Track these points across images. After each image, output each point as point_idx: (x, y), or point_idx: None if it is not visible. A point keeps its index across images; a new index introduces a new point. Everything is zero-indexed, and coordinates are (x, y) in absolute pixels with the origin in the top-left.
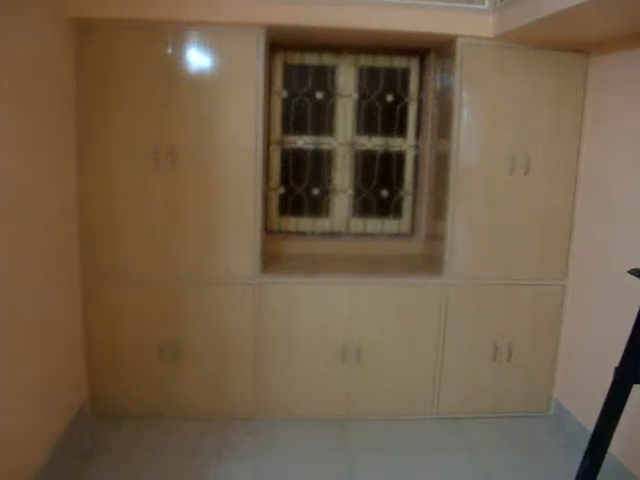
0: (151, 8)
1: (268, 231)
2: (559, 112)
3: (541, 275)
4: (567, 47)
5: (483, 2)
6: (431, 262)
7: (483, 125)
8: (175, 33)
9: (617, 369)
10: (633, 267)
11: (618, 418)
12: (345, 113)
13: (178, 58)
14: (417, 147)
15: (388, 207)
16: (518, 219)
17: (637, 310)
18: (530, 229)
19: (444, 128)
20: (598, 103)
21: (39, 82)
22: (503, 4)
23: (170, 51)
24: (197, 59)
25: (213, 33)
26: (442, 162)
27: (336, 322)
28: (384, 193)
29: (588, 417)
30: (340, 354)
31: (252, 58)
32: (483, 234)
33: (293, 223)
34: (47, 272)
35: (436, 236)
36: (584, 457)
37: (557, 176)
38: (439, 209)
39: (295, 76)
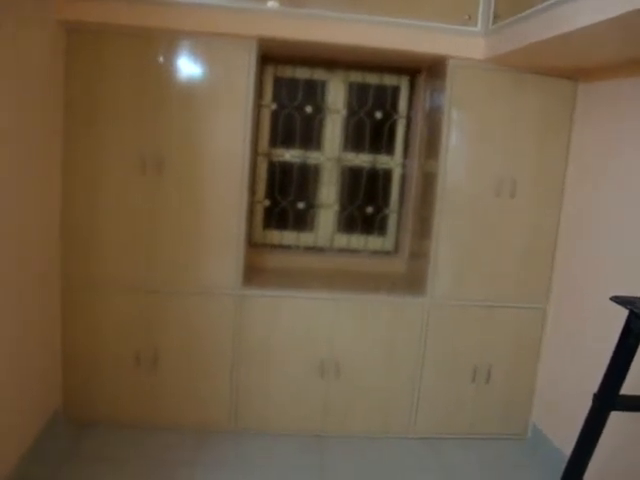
0: (143, 15)
1: (252, 243)
2: (546, 137)
3: (522, 298)
4: (556, 73)
5: (475, 24)
6: (414, 281)
7: (471, 146)
8: (167, 42)
9: (595, 396)
10: (615, 294)
11: (595, 445)
12: (333, 128)
13: (169, 66)
14: (404, 165)
15: (373, 224)
16: (502, 241)
17: (617, 337)
18: (514, 252)
19: (432, 147)
20: (585, 129)
21: (26, 83)
22: (495, 28)
23: (161, 59)
24: (188, 68)
25: (205, 43)
26: (429, 181)
27: (316, 337)
28: (369, 210)
29: (565, 442)
30: (319, 369)
31: (243, 70)
32: (467, 255)
33: (277, 236)
34: (27, 276)
35: (420, 255)
36: None
37: (542, 200)
38: (424, 228)
39: (285, 89)
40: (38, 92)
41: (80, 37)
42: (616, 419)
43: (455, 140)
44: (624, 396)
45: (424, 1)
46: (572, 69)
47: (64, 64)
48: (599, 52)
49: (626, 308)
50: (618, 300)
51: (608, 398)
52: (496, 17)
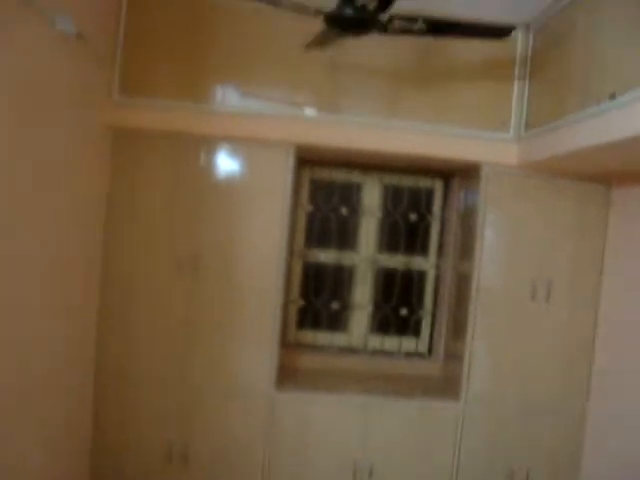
0: (184, 122)
1: (286, 343)
2: (581, 241)
3: (560, 401)
4: (589, 178)
5: (508, 131)
6: (448, 384)
7: (505, 248)
8: (207, 144)
9: None
10: None
11: None
12: (368, 230)
13: (209, 168)
14: (438, 267)
15: (407, 325)
16: (538, 344)
17: None
18: (551, 355)
19: (466, 249)
20: (620, 234)
21: (75, 183)
22: (527, 135)
23: (202, 161)
24: (227, 170)
25: (244, 147)
26: (463, 283)
27: (349, 441)
28: (403, 311)
29: None
30: (352, 473)
31: (281, 172)
32: (502, 358)
33: (311, 336)
34: (61, 362)
35: (454, 357)
36: None
37: (578, 303)
38: (458, 330)
39: (321, 191)
40: (85, 190)
41: (125, 140)
42: None
43: (489, 242)
44: None
45: (457, 108)
46: (604, 174)
47: (110, 165)
48: (630, 161)
49: None
50: None
51: None
52: (528, 125)
